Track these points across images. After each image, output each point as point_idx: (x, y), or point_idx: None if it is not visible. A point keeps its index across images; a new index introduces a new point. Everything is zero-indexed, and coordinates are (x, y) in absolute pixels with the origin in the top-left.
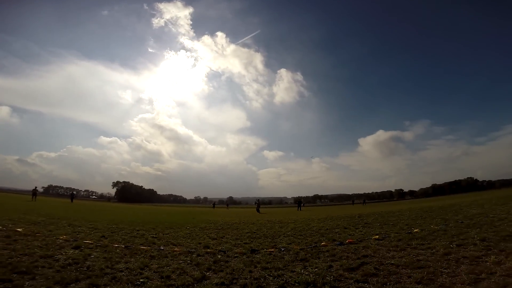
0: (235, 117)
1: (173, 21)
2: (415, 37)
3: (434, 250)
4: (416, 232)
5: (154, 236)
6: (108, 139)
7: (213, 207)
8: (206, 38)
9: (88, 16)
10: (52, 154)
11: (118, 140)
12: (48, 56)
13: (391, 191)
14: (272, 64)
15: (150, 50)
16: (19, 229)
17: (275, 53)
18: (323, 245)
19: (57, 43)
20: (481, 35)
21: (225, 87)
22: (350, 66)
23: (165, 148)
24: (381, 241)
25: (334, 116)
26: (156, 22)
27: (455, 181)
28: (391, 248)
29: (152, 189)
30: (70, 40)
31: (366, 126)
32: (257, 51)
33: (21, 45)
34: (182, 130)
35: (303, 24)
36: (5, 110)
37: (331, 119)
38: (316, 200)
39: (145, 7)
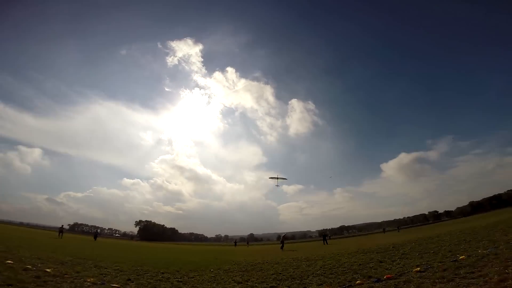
0: (251, 153)
1: (186, 59)
2: (424, 53)
3: (487, 278)
4: (463, 259)
5: (179, 280)
6: (131, 180)
7: (235, 245)
8: (218, 74)
9: (109, 56)
10: (79, 194)
11: (141, 181)
12: (75, 96)
13: (425, 214)
14: (283, 96)
15: (167, 89)
16: (48, 270)
17: (284, 84)
18: (359, 284)
19: (83, 82)
20: (492, 42)
21: (239, 123)
22: (360, 89)
23: (186, 188)
24: (423, 273)
25: (352, 144)
26: (170, 60)
27: (495, 196)
28: (436, 280)
29: (174, 228)
30: (94, 80)
31: (387, 151)
32: (266, 83)
33: (52, 85)
34: (201, 170)
35: (307, 52)
36: (37, 152)
37: (349, 146)
38: (343, 231)
39: (159, 45)
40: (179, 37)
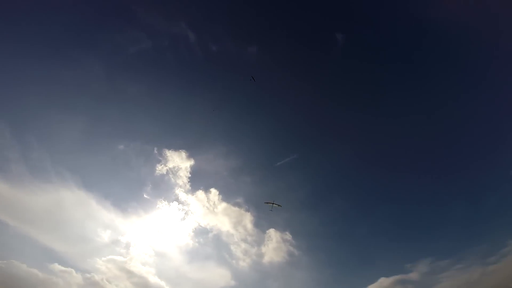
0: (218, 275)
1: (174, 171)
2: (393, 185)
3: None
4: None
5: None
6: (62, 268)
7: None
8: (200, 193)
9: (107, 146)
10: None
11: (74, 271)
12: (53, 176)
13: None
14: (261, 225)
15: (145, 196)
16: None
17: (264, 213)
18: None
19: (69, 165)
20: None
21: (211, 245)
22: (337, 221)
23: None
24: None
25: (328, 272)
26: (159, 168)
27: None
28: None
29: None
30: (81, 166)
31: (366, 277)
32: (247, 210)
33: (39, 156)
34: (154, 280)
35: (289, 185)
36: None
37: (325, 275)
38: None
39: (155, 151)
40: (176, 147)
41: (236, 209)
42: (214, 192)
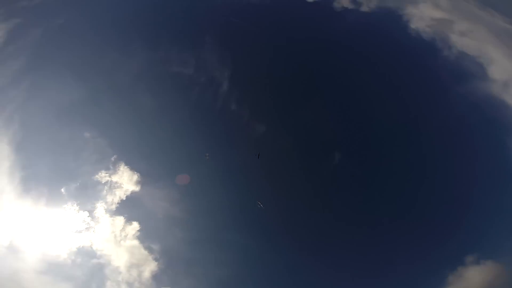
0: None
1: (113, 186)
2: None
3: None
4: None
5: None
6: None
7: None
8: (120, 220)
9: (72, 128)
10: None
11: None
12: None
13: None
14: (163, 281)
15: (62, 190)
16: None
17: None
18: None
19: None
20: None
21: (85, 269)
22: None
23: None
24: None
25: None
26: (101, 175)
27: None
28: None
29: None
30: (28, 125)
31: None
32: (156, 260)
33: None
34: None
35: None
36: None
37: None
38: None
39: (113, 158)
40: (134, 167)
41: (145, 252)
42: (135, 225)
